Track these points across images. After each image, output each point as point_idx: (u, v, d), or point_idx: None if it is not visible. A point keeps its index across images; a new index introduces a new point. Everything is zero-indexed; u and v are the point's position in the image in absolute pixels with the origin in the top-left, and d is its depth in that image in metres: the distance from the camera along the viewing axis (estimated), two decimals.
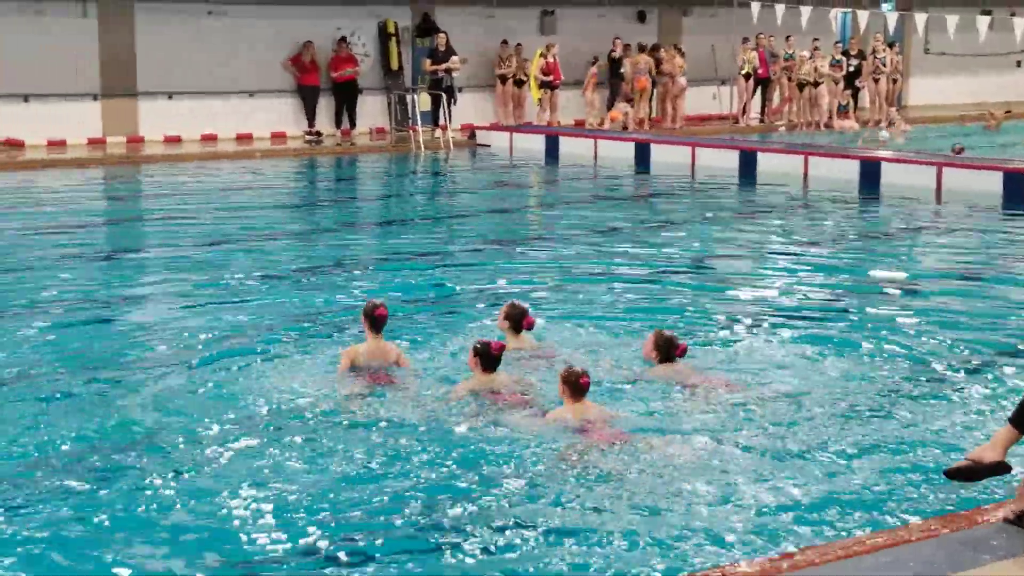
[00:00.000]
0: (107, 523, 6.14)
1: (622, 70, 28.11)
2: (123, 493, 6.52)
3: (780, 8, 28.40)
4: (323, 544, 5.90)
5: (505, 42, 27.78)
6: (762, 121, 30.03)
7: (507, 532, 6.03)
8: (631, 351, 8.99)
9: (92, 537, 6.00)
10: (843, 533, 5.95)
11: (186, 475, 6.75)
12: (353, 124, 26.51)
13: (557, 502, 6.36)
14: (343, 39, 26.36)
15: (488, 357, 7.98)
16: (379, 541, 5.94)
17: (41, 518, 6.19)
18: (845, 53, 30.10)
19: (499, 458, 6.97)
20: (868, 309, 10.87)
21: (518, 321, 8.86)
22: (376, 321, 8.47)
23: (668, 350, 8.39)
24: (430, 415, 7.67)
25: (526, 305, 9.13)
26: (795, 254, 13.99)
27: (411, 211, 18.47)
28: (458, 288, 11.82)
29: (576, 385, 7.38)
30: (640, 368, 8.60)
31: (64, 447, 7.20)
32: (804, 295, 11.59)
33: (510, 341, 8.57)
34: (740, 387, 8.24)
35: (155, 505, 6.36)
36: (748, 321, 10.30)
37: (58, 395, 8.18)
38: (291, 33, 26.02)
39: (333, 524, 6.12)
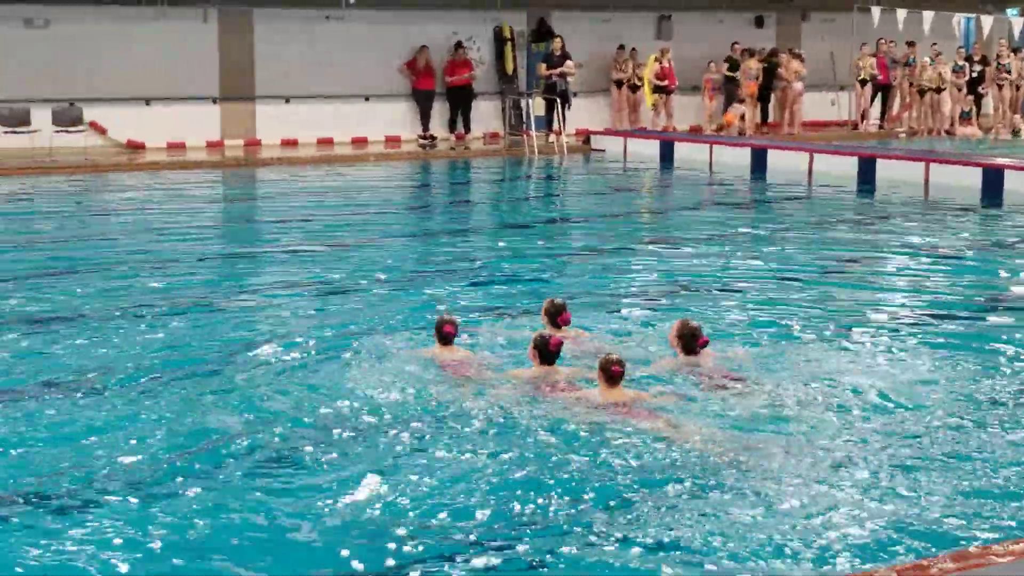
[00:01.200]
0: (213, 519, 6.19)
1: (736, 75, 27.83)
2: (222, 490, 6.58)
3: (902, 13, 27.93)
4: (397, 540, 5.91)
5: (621, 47, 27.68)
6: (882, 127, 29.56)
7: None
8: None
9: (195, 533, 6.05)
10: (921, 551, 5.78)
11: (278, 473, 6.81)
12: (467, 128, 26.60)
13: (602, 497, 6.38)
14: (459, 44, 26.45)
15: (545, 351, 8.22)
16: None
17: (154, 514, 6.24)
18: (968, 59, 29.49)
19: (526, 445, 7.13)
20: (983, 320, 10.60)
21: (553, 317, 9.10)
22: (444, 337, 8.73)
23: (690, 341, 8.46)
24: (482, 403, 7.83)
25: (562, 301, 9.28)
26: (911, 262, 13.70)
27: (524, 215, 18.45)
28: (570, 292, 11.73)
29: (608, 372, 7.65)
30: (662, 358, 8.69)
31: (164, 442, 7.28)
32: (915, 304, 11.32)
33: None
34: (751, 385, 8.20)
35: (248, 503, 6.40)
36: (854, 328, 10.11)
37: (163, 390, 8.27)
38: (407, 38, 26.17)
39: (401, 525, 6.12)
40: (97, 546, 5.87)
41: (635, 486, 6.53)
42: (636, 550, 5.80)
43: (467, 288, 11.95)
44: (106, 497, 6.42)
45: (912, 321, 10.46)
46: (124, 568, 5.68)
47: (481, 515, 6.17)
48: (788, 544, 5.84)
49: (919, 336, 9.86)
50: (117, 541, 5.92)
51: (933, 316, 10.71)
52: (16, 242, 14.91)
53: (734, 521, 6.07)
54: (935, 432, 7.38)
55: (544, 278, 12.62)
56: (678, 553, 5.76)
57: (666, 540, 5.90)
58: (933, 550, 5.69)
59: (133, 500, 6.38)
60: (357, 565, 5.70)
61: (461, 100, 26.45)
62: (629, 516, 6.15)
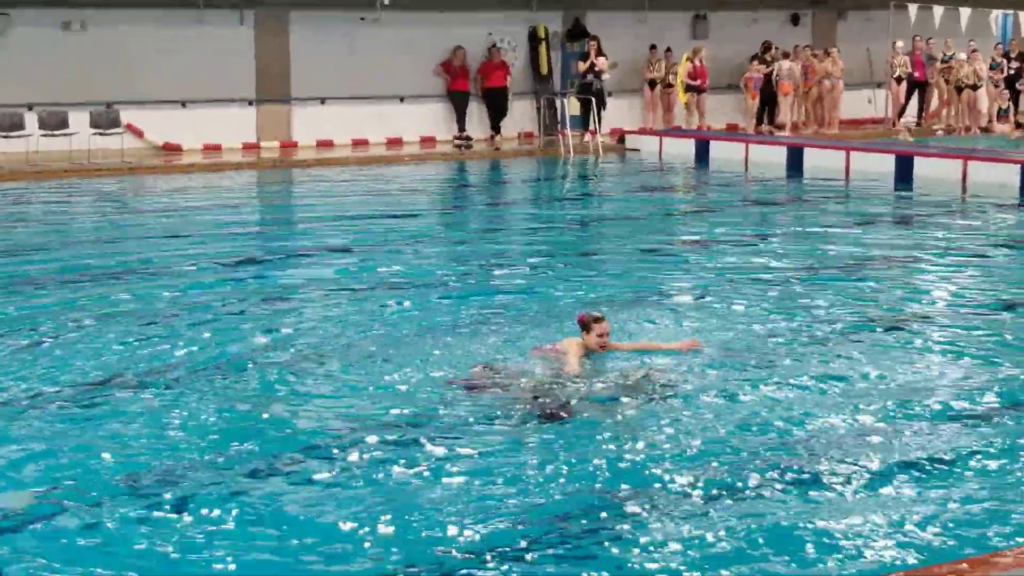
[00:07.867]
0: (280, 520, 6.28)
1: (775, 75, 27.68)
2: (282, 491, 6.65)
3: (938, 10, 27.76)
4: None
5: (653, 47, 27.63)
6: (918, 125, 29.35)
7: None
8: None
9: (256, 533, 6.13)
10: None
11: (331, 475, 6.86)
12: (498, 130, 26.46)
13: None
14: (494, 45, 26.46)
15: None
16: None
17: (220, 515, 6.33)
18: (1006, 55, 29.28)
19: None
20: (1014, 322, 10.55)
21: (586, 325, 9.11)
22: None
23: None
24: None
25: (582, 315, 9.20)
26: (947, 260, 13.61)
27: (559, 215, 18.44)
28: (606, 292, 11.72)
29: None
30: None
31: (216, 444, 7.36)
32: (951, 302, 11.28)
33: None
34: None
35: (314, 503, 6.47)
36: (888, 326, 10.10)
37: (204, 394, 8.31)
38: (442, 39, 26.18)
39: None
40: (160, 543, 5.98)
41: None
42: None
43: (505, 289, 11.96)
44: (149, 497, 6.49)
45: (946, 319, 10.42)
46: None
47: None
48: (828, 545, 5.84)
49: (952, 334, 9.83)
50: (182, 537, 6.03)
51: (968, 314, 10.66)
52: (55, 244, 15.02)
53: (768, 522, 6.07)
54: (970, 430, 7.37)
55: (582, 279, 12.59)
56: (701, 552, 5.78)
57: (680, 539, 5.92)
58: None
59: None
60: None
61: (497, 101, 26.40)
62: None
